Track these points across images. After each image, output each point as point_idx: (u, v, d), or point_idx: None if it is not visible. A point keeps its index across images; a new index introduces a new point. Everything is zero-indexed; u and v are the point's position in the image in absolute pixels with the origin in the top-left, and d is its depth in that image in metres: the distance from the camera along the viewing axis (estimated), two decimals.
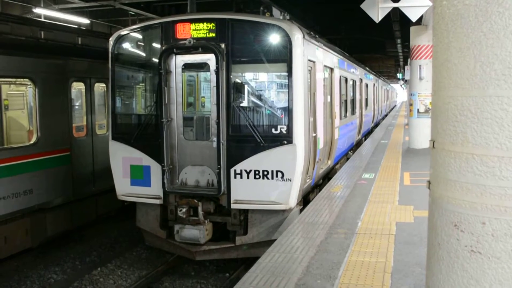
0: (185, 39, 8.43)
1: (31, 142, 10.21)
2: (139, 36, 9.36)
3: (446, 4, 2.64)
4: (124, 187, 9.04)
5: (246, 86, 8.92)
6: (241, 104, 8.66)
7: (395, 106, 75.71)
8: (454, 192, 2.62)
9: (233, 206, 8.41)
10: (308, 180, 9.24)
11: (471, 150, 2.53)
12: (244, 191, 8.31)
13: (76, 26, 18.00)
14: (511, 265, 2.47)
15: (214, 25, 8.36)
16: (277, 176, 8.15)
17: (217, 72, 8.24)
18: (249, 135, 8.24)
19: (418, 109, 16.66)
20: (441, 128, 2.70)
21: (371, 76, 26.39)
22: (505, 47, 2.40)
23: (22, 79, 11.10)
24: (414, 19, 11.64)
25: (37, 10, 18.03)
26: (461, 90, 2.57)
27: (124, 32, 9.18)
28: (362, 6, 10.94)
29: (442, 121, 2.70)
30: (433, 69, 2.85)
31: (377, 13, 10.89)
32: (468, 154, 2.55)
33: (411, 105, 17.25)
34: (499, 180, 2.45)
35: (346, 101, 14.87)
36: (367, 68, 25.80)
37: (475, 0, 2.47)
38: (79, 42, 12.48)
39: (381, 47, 32.19)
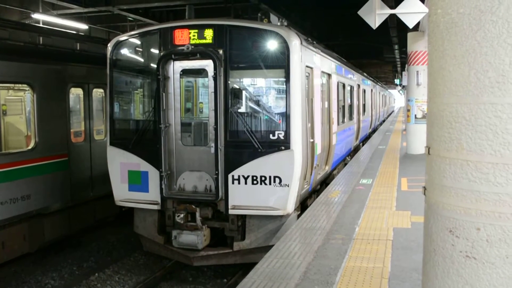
0: (183, 45, 8.47)
1: (29, 147, 10.22)
2: (137, 42, 9.39)
3: (440, 13, 2.67)
4: (122, 193, 9.05)
5: (244, 92, 8.95)
6: (239, 110, 8.70)
7: (392, 111, 75.84)
8: (449, 198, 2.65)
9: (231, 211, 8.43)
10: (305, 186, 9.26)
11: (466, 157, 2.56)
12: (242, 197, 8.32)
13: (74, 32, 18.03)
14: (506, 270, 2.49)
15: (212, 31, 8.41)
16: (274, 181, 8.17)
17: (215, 78, 8.27)
18: (246, 141, 8.27)
19: (415, 115, 16.71)
20: (436, 134, 2.73)
21: (369, 82, 26.46)
22: (498, 55, 2.43)
23: (20, 85, 11.12)
24: (411, 25, 11.70)
25: (36, 16, 18.06)
26: (456, 97, 2.60)
27: (122, 38, 9.21)
28: (359, 12, 11.00)
29: (437, 128, 2.73)
30: (428, 76, 2.88)
31: (374, 20, 10.94)
32: (462, 161, 2.57)
33: (408, 110, 17.32)
34: (493, 186, 2.48)
35: (343, 106, 14.91)
36: (364, 74, 25.87)
37: (469, 9, 2.50)
38: (78, 48, 12.50)
39: (379, 53, 32.28)
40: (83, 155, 11.57)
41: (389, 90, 66.56)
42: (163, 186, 8.58)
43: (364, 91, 22.48)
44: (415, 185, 11.09)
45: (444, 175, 2.67)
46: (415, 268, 5.82)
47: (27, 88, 10.53)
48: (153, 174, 8.70)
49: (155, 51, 8.95)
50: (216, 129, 8.28)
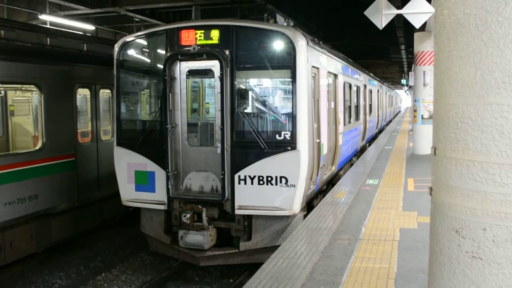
0: (189, 46, 8.49)
1: (37, 147, 10.27)
2: (144, 42, 9.42)
3: (447, 13, 2.67)
4: (128, 193, 9.08)
5: (250, 92, 8.96)
6: (245, 110, 8.71)
7: (399, 112, 75.64)
8: (455, 198, 2.65)
9: (237, 212, 8.44)
10: (312, 186, 9.26)
11: (472, 157, 2.56)
12: (248, 197, 8.33)
13: (81, 33, 18.11)
14: None
15: (218, 31, 8.42)
16: (281, 182, 8.18)
17: (221, 79, 8.29)
18: (253, 141, 8.28)
19: (422, 115, 16.66)
20: (442, 135, 2.73)
21: (375, 82, 26.40)
22: (505, 56, 2.43)
23: (28, 85, 11.18)
24: (417, 25, 11.68)
25: (43, 17, 18.17)
26: (462, 97, 2.60)
27: (129, 38, 9.24)
28: (366, 13, 10.99)
29: (443, 128, 2.73)
30: (435, 77, 2.88)
31: (381, 20, 10.93)
32: (469, 161, 2.57)
33: (415, 111, 17.27)
34: (500, 187, 2.48)
35: (350, 107, 14.89)
36: (371, 74, 25.81)
37: (475, 9, 2.50)
38: (85, 49, 12.55)
39: (385, 53, 32.21)
40: (90, 156, 11.62)
41: (395, 90, 66.37)
42: (169, 186, 8.60)
43: (371, 91, 22.44)
44: (421, 185, 11.07)
45: (450, 175, 2.67)
46: (422, 269, 5.81)
47: (35, 89, 10.59)
48: (160, 174, 8.73)
49: (161, 51, 8.98)
50: (222, 130, 8.29)
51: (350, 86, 14.77)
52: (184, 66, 8.81)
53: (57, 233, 10.75)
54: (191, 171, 8.79)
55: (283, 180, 8.17)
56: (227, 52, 8.37)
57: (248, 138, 8.38)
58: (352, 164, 15.69)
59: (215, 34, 8.44)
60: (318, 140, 9.51)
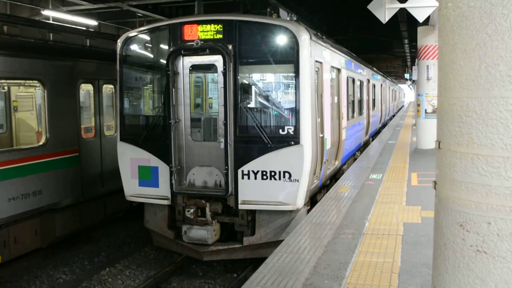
0: (192, 41, 8.48)
1: (40, 143, 10.28)
2: (147, 37, 9.41)
3: (451, 6, 2.66)
4: (132, 188, 9.10)
5: (253, 87, 8.95)
6: (249, 105, 8.70)
7: (402, 106, 75.52)
8: (459, 192, 2.64)
9: (240, 206, 8.45)
10: (315, 181, 9.25)
11: (477, 151, 2.55)
12: (252, 192, 8.34)
13: (84, 28, 18.11)
14: None
15: (221, 26, 8.41)
16: (284, 176, 8.18)
17: (224, 74, 8.28)
18: (256, 136, 8.28)
19: (425, 110, 16.63)
20: (447, 129, 2.72)
21: (379, 77, 26.34)
22: (509, 49, 2.41)
23: (31, 81, 11.19)
24: (421, 19, 11.63)
25: (46, 12, 18.17)
26: (467, 91, 2.58)
27: (132, 34, 9.24)
28: (369, 7, 10.94)
29: (447, 122, 2.72)
30: (439, 70, 2.87)
31: (384, 14, 10.88)
32: (473, 155, 2.56)
33: (418, 105, 17.22)
34: (504, 181, 2.47)
35: (353, 101, 14.87)
36: (374, 69, 25.75)
37: (480, 2, 2.48)
38: (87, 44, 12.54)
39: (389, 47, 32.14)
40: (94, 151, 11.63)
41: (399, 85, 66.24)
42: (173, 181, 8.61)
43: (374, 85, 22.40)
44: (425, 180, 11.05)
45: (455, 169, 2.66)
46: (425, 263, 5.81)
47: (38, 85, 10.60)
48: (163, 169, 8.74)
49: (164, 46, 8.97)
50: (225, 125, 8.28)
51: (353, 80, 14.75)
52: (187, 61, 8.80)
53: (61, 229, 10.77)
54: (195, 166, 8.79)
55: (287, 175, 8.17)
56: (230, 47, 8.35)
57: (252, 133, 8.37)
58: (355, 159, 15.68)
59: (218, 29, 8.41)
60: (321, 135, 9.50)
